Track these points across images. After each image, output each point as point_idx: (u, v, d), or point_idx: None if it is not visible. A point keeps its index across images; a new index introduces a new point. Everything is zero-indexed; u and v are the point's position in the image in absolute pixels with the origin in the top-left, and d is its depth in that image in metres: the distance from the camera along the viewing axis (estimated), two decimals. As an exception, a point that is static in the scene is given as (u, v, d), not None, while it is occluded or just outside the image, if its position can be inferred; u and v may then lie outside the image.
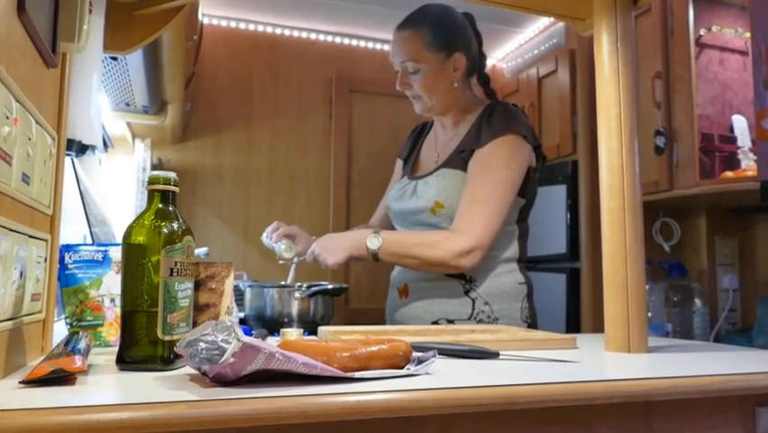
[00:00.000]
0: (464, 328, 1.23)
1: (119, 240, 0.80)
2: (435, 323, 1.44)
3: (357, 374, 0.69)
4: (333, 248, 1.42)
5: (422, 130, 1.73)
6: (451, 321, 1.43)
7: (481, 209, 1.37)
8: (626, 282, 1.03)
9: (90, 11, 0.93)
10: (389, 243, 1.39)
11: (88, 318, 0.94)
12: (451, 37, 1.52)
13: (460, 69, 1.53)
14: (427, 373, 0.75)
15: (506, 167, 1.40)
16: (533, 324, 1.49)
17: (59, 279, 0.93)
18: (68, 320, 0.95)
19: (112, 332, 0.95)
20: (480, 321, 1.42)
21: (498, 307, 1.43)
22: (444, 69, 1.51)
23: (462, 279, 1.44)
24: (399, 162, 1.74)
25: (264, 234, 1.60)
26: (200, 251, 2.16)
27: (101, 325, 0.95)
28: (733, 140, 2.08)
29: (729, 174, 1.97)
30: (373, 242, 1.39)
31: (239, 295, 1.54)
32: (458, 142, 1.50)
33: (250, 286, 1.49)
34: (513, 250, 1.49)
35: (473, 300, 1.43)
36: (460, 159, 1.46)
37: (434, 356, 0.78)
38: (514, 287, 1.46)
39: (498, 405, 0.68)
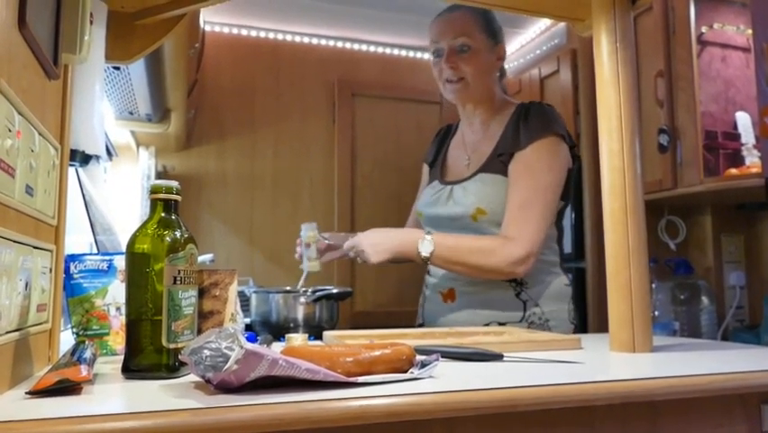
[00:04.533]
0: (468, 331, 1.23)
1: (125, 248, 0.80)
2: (486, 326, 1.42)
3: (360, 379, 0.70)
4: (380, 246, 1.38)
5: (446, 133, 1.71)
6: (502, 324, 1.42)
7: (531, 215, 1.35)
8: (630, 283, 1.03)
9: (91, 22, 0.94)
10: (441, 247, 1.35)
11: (94, 328, 0.95)
12: (498, 27, 1.54)
13: (501, 60, 1.54)
14: (431, 377, 0.75)
15: (549, 170, 1.39)
16: (577, 325, 1.49)
17: (65, 288, 0.94)
18: (74, 330, 0.95)
19: (118, 341, 0.95)
20: (531, 323, 1.42)
21: (548, 309, 1.43)
22: (491, 56, 1.51)
23: (513, 282, 1.43)
24: (426, 168, 1.73)
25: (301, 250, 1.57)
26: (205, 257, 2.17)
27: (107, 334, 0.95)
28: (737, 137, 2.07)
29: (734, 171, 1.96)
30: (426, 246, 1.35)
31: (245, 301, 1.55)
32: (492, 145, 1.48)
33: (255, 292, 1.49)
34: (555, 252, 1.50)
35: (524, 303, 1.43)
36: (498, 162, 1.44)
37: (438, 360, 0.78)
38: (561, 289, 1.47)
39: (502, 407, 0.68)
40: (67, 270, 0.94)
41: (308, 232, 1.55)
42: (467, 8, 1.47)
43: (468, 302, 1.45)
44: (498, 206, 1.41)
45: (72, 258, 0.95)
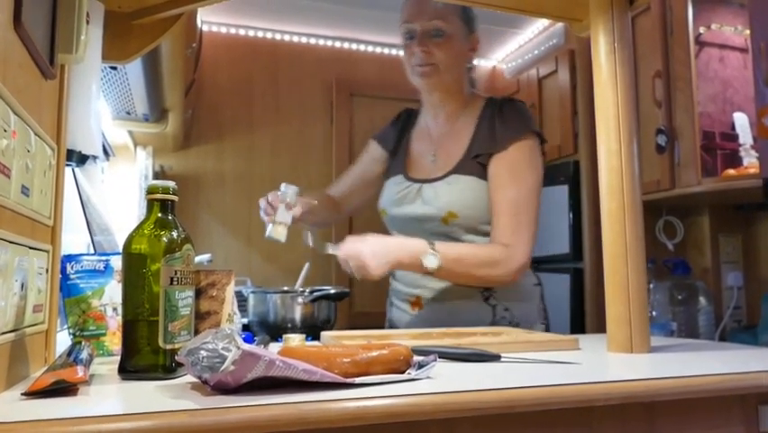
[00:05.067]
0: (466, 331, 1.23)
1: (121, 249, 0.80)
2: None
3: (357, 380, 0.70)
4: (382, 257, 1.25)
5: (407, 119, 1.62)
6: None
7: (524, 220, 1.33)
8: (627, 283, 1.03)
9: (88, 21, 0.94)
10: (447, 260, 1.27)
11: (91, 328, 0.95)
12: (474, 15, 1.48)
13: (474, 51, 1.49)
14: (428, 378, 0.75)
15: (533, 170, 1.37)
16: (547, 324, 1.49)
17: (61, 289, 0.93)
18: (70, 330, 0.95)
19: (115, 341, 0.95)
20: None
21: (518, 311, 1.41)
22: (464, 45, 1.45)
23: (480, 286, 1.41)
24: (376, 147, 1.64)
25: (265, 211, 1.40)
26: (203, 257, 2.16)
27: (104, 334, 0.95)
28: (734, 137, 2.08)
29: (731, 172, 1.96)
30: (431, 261, 1.27)
31: (242, 301, 1.55)
32: (462, 143, 1.43)
33: (253, 292, 1.49)
34: None
35: (493, 307, 1.40)
36: (474, 163, 1.39)
37: (435, 360, 0.78)
38: (530, 289, 1.46)
39: (499, 408, 0.68)
40: (63, 270, 0.93)
41: (289, 191, 1.38)
42: None
43: (435, 310, 1.42)
44: (471, 209, 1.37)
45: (69, 258, 0.95)
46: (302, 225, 1.43)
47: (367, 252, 1.24)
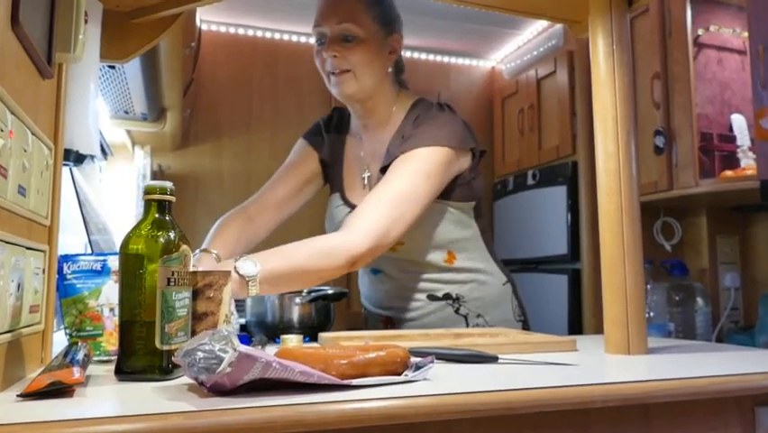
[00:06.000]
0: (464, 332, 1.23)
1: (118, 249, 0.80)
2: None
3: (355, 382, 0.69)
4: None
5: (339, 122, 1.49)
6: None
7: (383, 211, 1.18)
8: (625, 285, 1.03)
9: (86, 21, 0.94)
10: (267, 262, 1.09)
11: (88, 329, 0.94)
12: (392, 15, 1.37)
13: (395, 53, 1.37)
14: (425, 379, 0.75)
15: (425, 177, 1.23)
16: (525, 319, 1.45)
17: (58, 289, 0.93)
18: (67, 331, 0.95)
19: (112, 342, 0.95)
20: None
21: (490, 316, 1.38)
22: (382, 48, 1.33)
23: (449, 299, 1.37)
24: (307, 147, 1.50)
25: None
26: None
27: (100, 335, 0.95)
28: (732, 139, 2.08)
29: (729, 173, 1.97)
30: (247, 267, 1.06)
31: (240, 301, 1.54)
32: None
33: (250, 292, 1.49)
34: (482, 252, 1.41)
35: (465, 317, 1.38)
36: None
37: (432, 362, 0.78)
38: (499, 290, 1.42)
39: (497, 410, 0.68)
40: (60, 270, 0.93)
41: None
42: None
43: (408, 328, 1.38)
44: (415, 232, 1.27)
45: (65, 258, 0.95)
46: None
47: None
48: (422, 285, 1.38)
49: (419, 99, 1.41)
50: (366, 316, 1.53)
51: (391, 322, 1.42)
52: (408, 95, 1.43)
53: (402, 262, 1.37)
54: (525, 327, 1.46)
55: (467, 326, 1.38)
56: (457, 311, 1.38)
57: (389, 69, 1.37)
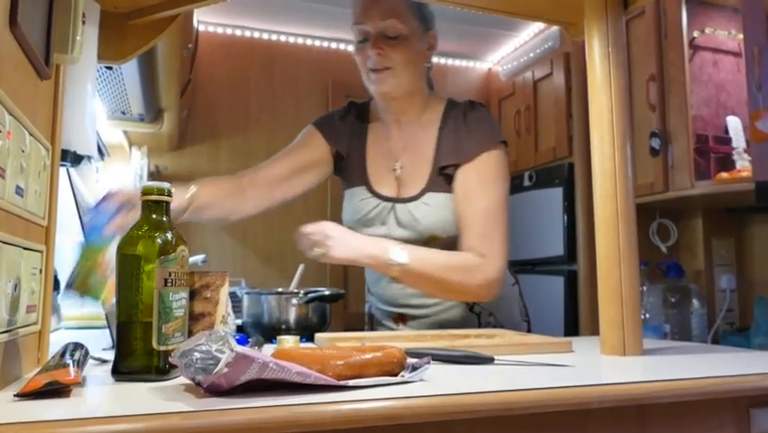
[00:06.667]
0: (460, 333, 1.23)
1: (115, 250, 0.80)
2: None
3: (351, 382, 0.70)
4: (347, 242, 1.22)
5: (357, 115, 1.47)
6: None
7: (498, 235, 1.26)
8: (620, 286, 1.04)
9: (84, 22, 0.94)
10: (416, 258, 1.20)
11: (93, 278, 0.95)
12: (428, 11, 1.38)
13: (432, 49, 1.39)
14: (421, 380, 0.75)
15: (503, 181, 1.31)
16: (529, 320, 1.49)
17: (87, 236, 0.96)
18: (71, 279, 0.95)
19: (109, 297, 0.95)
20: None
21: (500, 315, 1.40)
22: (421, 44, 1.35)
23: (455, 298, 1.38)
24: (317, 136, 1.46)
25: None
26: (197, 258, 2.16)
27: (104, 285, 0.95)
28: (727, 141, 2.09)
29: (724, 175, 1.98)
30: (399, 254, 1.18)
31: (236, 302, 1.54)
32: (427, 154, 1.35)
33: (247, 293, 1.49)
34: None
35: (478, 315, 1.39)
36: (443, 178, 1.33)
37: (429, 363, 0.78)
38: (509, 291, 1.44)
39: (493, 411, 0.69)
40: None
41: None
42: None
43: (421, 325, 1.39)
44: (449, 230, 1.31)
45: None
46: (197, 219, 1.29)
47: (334, 233, 1.21)
48: None
49: (452, 99, 1.42)
50: (371, 314, 1.52)
51: (404, 319, 1.42)
52: (436, 92, 1.44)
53: None
54: (530, 327, 1.48)
55: (479, 324, 1.39)
56: (471, 309, 1.39)
57: (426, 66, 1.39)
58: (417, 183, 1.34)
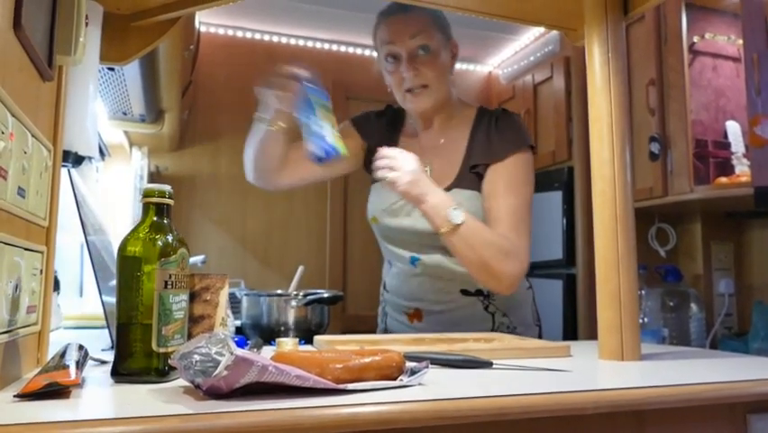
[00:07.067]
0: (458, 337, 1.23)
1: (116, 248, 0.80)
2: None
3: (350, 386, 0.70)
4: (416, 182, 1.21)
5: (394, 117, 1.53)
6: None
7: (523, 230, 1.29)
8: (619, 291, 1.04)
9: (86, 23, 0.94)
10: (469, 225, 1.20)
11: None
12: (447, 21, 1.42)
13: (455, 57, 1.44)
14: (420, 384, 0.75)
15: (529, 185, 1.35)
16: (540, 325, 1.50)
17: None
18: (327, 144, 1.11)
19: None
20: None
21: (514, 317, 1.42)
22: (446, 54, 1.40)
23: (481, 295, 1.40)
24: (353, 131, 1.50)
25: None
26: (197, 258, 2.16)
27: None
28: (727, 146, 2.09)
29: (723, 180, 1.98)
30: (457, 215, 1.20)
31: (236, 303, 1.55)
32: (458, 153, 1.39)
33: (246, 295, 1.49)
34: None
35: (492, 315, 1.40)
36: (472, 175, 1.36)
37: (427, 367, 0.78)
38: (523, 294, 1.46)
39: (490, 416, 0.69)
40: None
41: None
42: (416, 7, 1.29)
43: (436, 321, 1.40)
44: None
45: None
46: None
47: (410, 167, 1.22)
48: (457, 279, 1.39)
49: (483, 107, 1.46)
50: (386, 313, 1.53)
51: (419, 315, 1.44)
52: (468, 101, 1.49)
53: (446, 250, 1.35)
54: (541, 332, 1.50)
55: (493, 323, 1.40)
56: (486, 308, 1.41)
57: (451, 74, 1.43)
58: (446, 180, 1.37)
